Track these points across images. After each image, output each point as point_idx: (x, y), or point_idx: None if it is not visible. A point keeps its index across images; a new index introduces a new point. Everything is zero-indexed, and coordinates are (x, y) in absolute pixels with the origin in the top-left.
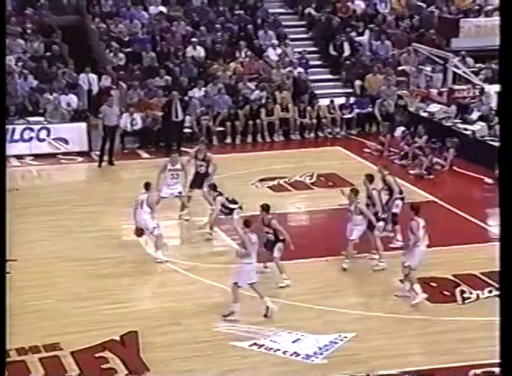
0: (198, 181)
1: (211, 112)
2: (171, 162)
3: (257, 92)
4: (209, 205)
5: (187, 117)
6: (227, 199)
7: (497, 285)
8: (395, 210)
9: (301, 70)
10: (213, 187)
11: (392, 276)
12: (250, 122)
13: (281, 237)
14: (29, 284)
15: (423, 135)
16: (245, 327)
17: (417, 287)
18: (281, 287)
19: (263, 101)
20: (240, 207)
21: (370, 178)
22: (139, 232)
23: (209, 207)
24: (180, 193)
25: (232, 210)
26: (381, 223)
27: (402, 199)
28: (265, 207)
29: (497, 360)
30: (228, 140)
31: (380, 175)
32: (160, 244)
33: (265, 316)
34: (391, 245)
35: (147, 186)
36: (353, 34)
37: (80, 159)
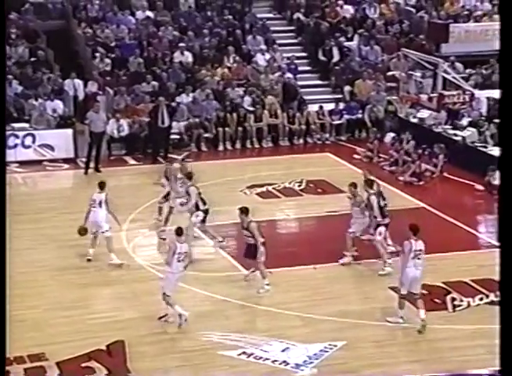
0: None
1: (200, 118)
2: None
3: (247, 98)
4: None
5: (175, 123)
6: (199, 194)
7: (488, 292)
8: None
9: (289, 75)
10: (245, 212)
11: (382, 283)
12: (239, 128)
13: (261, 240)
14: (12, 293)
15: (410, 140)
16: (234, 336)
17: (401, 312)
18: (261, 292)
19: (251, 108)
20: (206, 211)
21: (370, 182)
22: (83, 231)
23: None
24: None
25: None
26: (382, 229)
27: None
28: (244, 211)
29: (488, 369)
30: (220, 147)
31: (364, 179)
32: (110, 246)
33: (180, 325)
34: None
35: (101, 185)
36: (342, 39)
37: (66, 166)
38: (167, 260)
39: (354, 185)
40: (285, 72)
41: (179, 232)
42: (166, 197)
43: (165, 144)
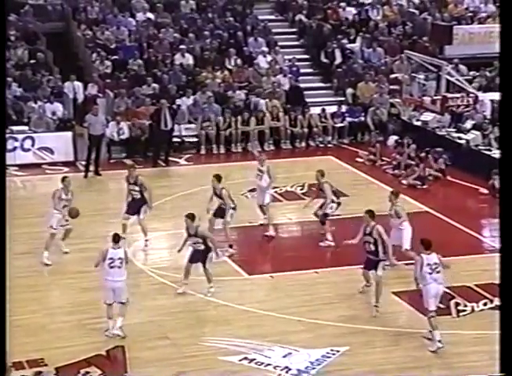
0: (134, 207)
1: (201, 121)
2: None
3: (262, 101)
4: (143, 234)
5: (175, 126)
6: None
7: (492, 297)
8: (328, 211)
9: (291, 77)
10: (191, 218)
11: (385, 288)
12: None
13: (210, 245)
14: (12, 298)
15: (411, 144)
16: (235, 341)
17: (436, 333)
18: (209, 296)
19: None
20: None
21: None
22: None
23: (144, 238)
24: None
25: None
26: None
27: (338, 203)
28: (190, 217)
29: (492, 374)
30: (221, 150)
31: (317, 181)
32: (48, 245)
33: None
34: (321, 244)
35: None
36: (345, 41)
37: (65, 169)
38: (98, 262)
39: (396, 193)
40: (286, 74)
41: (115, 238)
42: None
43: (167, 147)
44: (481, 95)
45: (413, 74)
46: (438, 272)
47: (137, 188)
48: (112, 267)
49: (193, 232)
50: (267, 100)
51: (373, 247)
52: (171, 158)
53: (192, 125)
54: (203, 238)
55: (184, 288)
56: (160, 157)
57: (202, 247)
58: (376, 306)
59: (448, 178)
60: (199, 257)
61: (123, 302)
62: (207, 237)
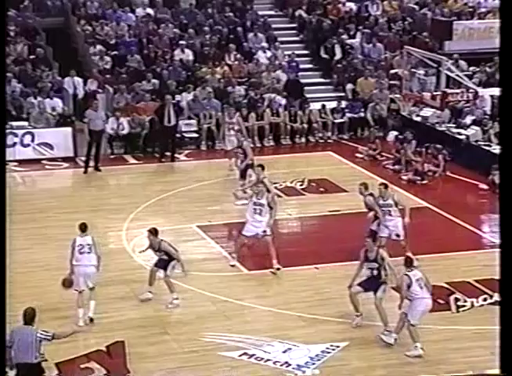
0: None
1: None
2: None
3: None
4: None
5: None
6: (170, 245)
7: (491, 293)
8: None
9: (291, 72)
10: (154, 233)
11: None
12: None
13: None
14: (11, 294)
15: (412, 140)
16: (235, 337)
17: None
18: (170, 307)
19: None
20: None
21: (365, 185)
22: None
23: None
24: (265, 232)
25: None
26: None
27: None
28: (153, 232)
29: (492, 370)
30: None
31: (256, 175)
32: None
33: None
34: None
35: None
36: (344, 36)
37: (65, 165)
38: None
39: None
40: (286, 70)
41: (82, 227)
42: None
43: (172, 143)
44: (480, 90)
45: (413, 70)
46: (425, 285)
47: (163, 254)
48: (81, 253)
49: (156, 247)
50: (271, 95)
51: (376, 272)
52: (176, 155)
53: (192, 121)
54: (166, 253)
55: (147, 295)
56: (165, 154)
57: (165, 257)
58: (388, 331)
59: (448, 173)
60: (162, 264)
61: (92, 288)
62: (170, 252)
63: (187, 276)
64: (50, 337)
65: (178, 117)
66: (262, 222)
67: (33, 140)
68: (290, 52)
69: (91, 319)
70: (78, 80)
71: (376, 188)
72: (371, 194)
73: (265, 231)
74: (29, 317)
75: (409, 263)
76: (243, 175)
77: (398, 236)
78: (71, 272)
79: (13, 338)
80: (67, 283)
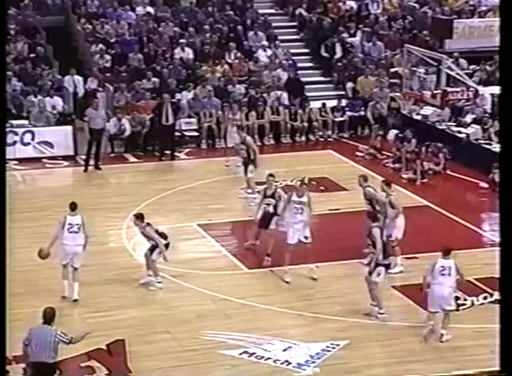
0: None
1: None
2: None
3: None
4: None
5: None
6: (156, 231)
7: (492, 291)
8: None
9: (290, 71)
10: (140, 217)
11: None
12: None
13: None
14: (12, 292)
15: (412, 138)
16: (235, 335)
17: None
18: (152, 289)
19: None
20: (166, 245)
21: (364, 177)
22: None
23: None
24: (306, 238)
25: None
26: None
27: None
28: (139, 217)
29: (492, 368)
30: (222, 144)
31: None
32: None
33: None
34: None
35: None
36: (345, 35)
37: (65, 163)
38: (57, 232)
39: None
40: (286, 68)
41: (72, 206)
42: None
43: (170, 142)
44: (481, 89)
45: (413, 68)
46: (448, 275)
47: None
48: (70, 232)
49: (140, 231)
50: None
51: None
52: (176, 153)
53: (192, 119)
54: (148, 238)
55: (146, 279)
56: (165, 153)
57: (153, 242)
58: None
59: (448, 172)
60: (151, 248)
61: (76, 268)
62: (153, 238)
63: (185, 277)
64: (68, 341)
65: (177, 116)
66: (302, 223)
67: (33, 139)
68: (291, 51)
69: (75, 300)
70: (78, 78)
71: (379, 186)
72: (370, 186)
73: (306, 237)
74: (49, 317)
75: (445, 251)
76: (246, 172)
77: (390, 236)
78: (50, 245)
79: (31, 337)
80: (43, 255)
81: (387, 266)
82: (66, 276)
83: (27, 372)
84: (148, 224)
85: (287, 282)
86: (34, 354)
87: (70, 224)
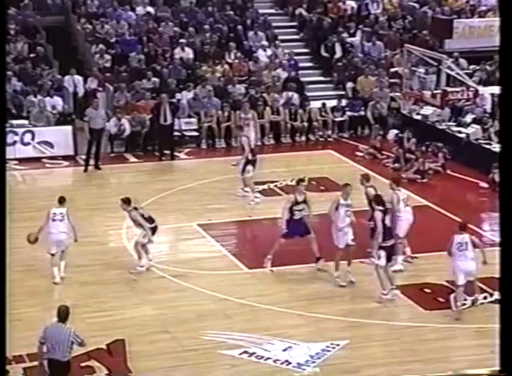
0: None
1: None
2: (343, 195)
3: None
4: None
5: (175, 121)
6: (142, 215)
7: (492, 291)
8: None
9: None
10: (127, 202)
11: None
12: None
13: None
14: (11, 292)
15: (411, 138)
16: (235, 335)
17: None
18: (132, 272)
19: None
20: (153, 229)
21: (367, 177)
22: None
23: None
24: (353, 240)
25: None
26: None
27: None
28: (126, 201)
29: (493, 368)
30: (222, 144)
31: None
32: None
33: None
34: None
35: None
36: (345, 35)
37: (65, 163)
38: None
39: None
40: (286, 68)
41: (60, 200)
42: None
43: (169, 142)
44: (481, 89)
45: (413, 68)
46: (466, 249)
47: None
48: (54, 220)
49: (127, 215)
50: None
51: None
52: (175, 153)
53: (193, 119)
54: (135, 222)
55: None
56: (164, 153)
57: (139, 227)
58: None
59: (448, 172)
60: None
61: (63, 250)
62: (138, 221)
63: (185, 277)
64: (79, 342)
65: (175, 116)
66: (351, 226)
67: (33, 138)
68: (289, 51)
69: (62, 278)
70: (78, 78)
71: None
72: (372, 186)
73: (353, 239)
74: (63, 315)
75: (460, 228)
76: (243, 171)
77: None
78: (38, 232)
79: (46, 335)
80: (32, 239)
81: (388, 249)
82: (55, 263)
83: (44, 370)
84: (135, 208)
85: (352, 282)
86: (49, 351)
87: (54, 213)
